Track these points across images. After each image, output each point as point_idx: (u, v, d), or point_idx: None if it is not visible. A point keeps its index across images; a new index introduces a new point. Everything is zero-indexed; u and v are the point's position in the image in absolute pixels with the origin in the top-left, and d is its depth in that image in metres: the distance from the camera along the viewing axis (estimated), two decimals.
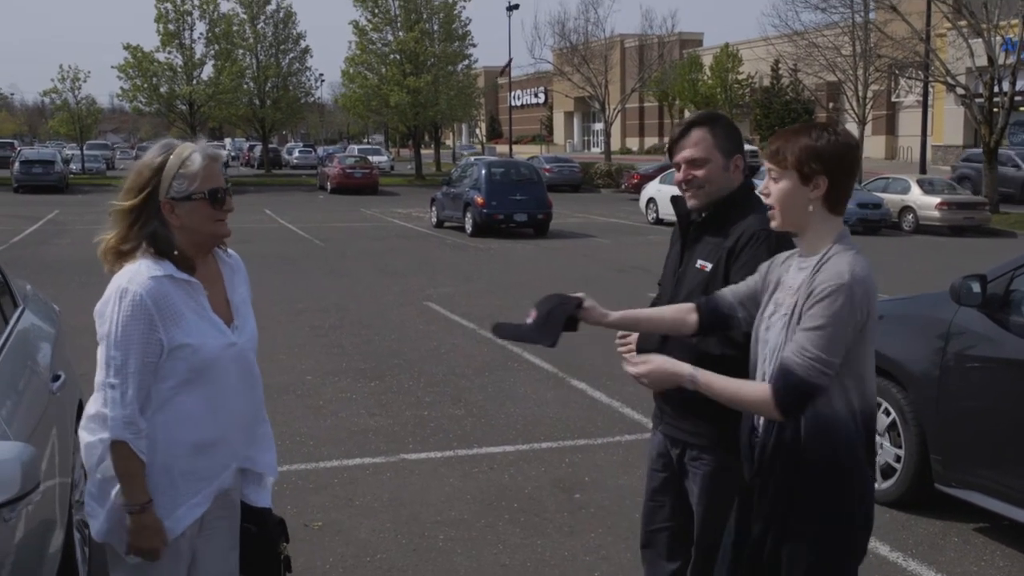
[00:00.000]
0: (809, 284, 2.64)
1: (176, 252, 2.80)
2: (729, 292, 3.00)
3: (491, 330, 3.12)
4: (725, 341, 3.13)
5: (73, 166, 51.97)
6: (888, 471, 5.80)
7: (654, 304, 3.47)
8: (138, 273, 2.74)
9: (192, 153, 2.81)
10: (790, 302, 2.70)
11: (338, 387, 8.61)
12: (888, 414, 5.78)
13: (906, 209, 26.92)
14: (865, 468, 2.69)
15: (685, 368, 2.76)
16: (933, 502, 5.64)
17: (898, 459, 5.71)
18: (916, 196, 26.80)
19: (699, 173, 3.27)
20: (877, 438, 5.86)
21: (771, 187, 2.74)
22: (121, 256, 2.83)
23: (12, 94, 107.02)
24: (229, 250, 3.10)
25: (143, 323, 2.70)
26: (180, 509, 2.84)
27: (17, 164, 41.35)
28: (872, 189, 28.27)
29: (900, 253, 21.28)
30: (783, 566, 2.70)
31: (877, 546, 5.22)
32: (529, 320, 2.99)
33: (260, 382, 3.09)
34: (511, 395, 8.37)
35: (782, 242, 3.06)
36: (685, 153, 3.28)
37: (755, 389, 2.67)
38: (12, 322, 4.04)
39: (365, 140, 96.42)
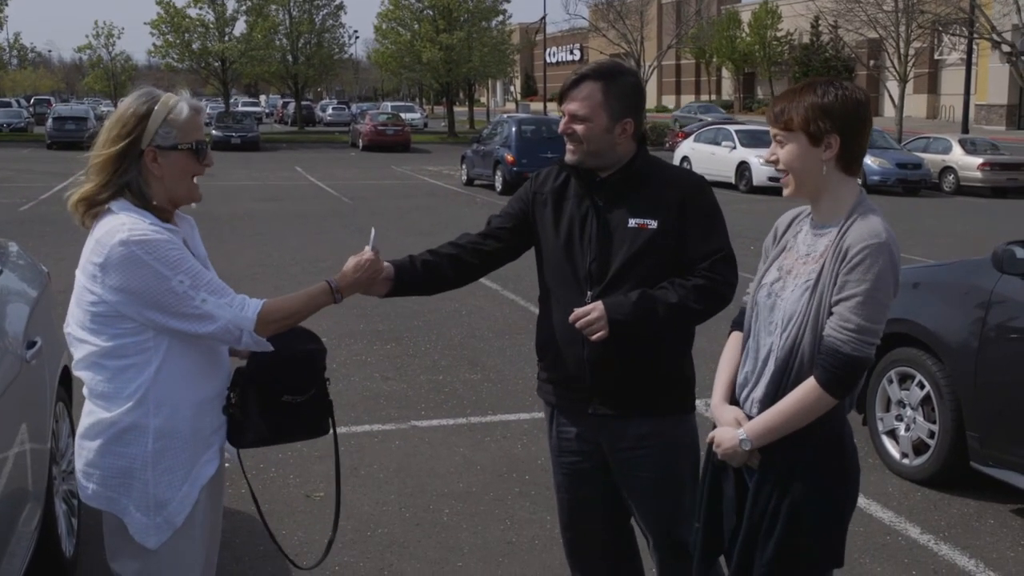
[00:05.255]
0: (838, 249, 2.42)
1: (154, 203, 2.66)
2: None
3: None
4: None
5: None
6: (921, 447, 5.49)
7: (547, 274, 3.23)
8: (135, 224, 2.58)
9: (179, 103, 2.69)
10: (810, 268, 2.49)
11: (353, 350, 8.40)
12: (922, 387, 5.46)
13: (947, 170, 26.34)
14: (849, 427, 2.62)
15: (736, 434, 2.57)
16: (968, 481, 5.33)
17: (932, 435, 5.40)
18: (957, 156, 26.21)
19: (579, 128, 3.04)
20: (910, 412, 5.56)
21: (778, 152, 2.52)
22: (93, 207, 2.66)
23: (49, 51, 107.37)
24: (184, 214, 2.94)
25: (174, 248, 2.59)
26: (195, 469, 2.71)
27: (50, 121, 41.44)
28: (912, 149, 27.68)
29: (940, 215, 20.80)
30: (786, 532, 2.52)
31: (907, 528, 4.93)
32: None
33: None
34: (530, 358, 8.01)
35: None
36: (570, 106, 3.07)
37: (804, 394, 2.46)
38: None
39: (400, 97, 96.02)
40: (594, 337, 2.94)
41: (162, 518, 2.66)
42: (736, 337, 2.75)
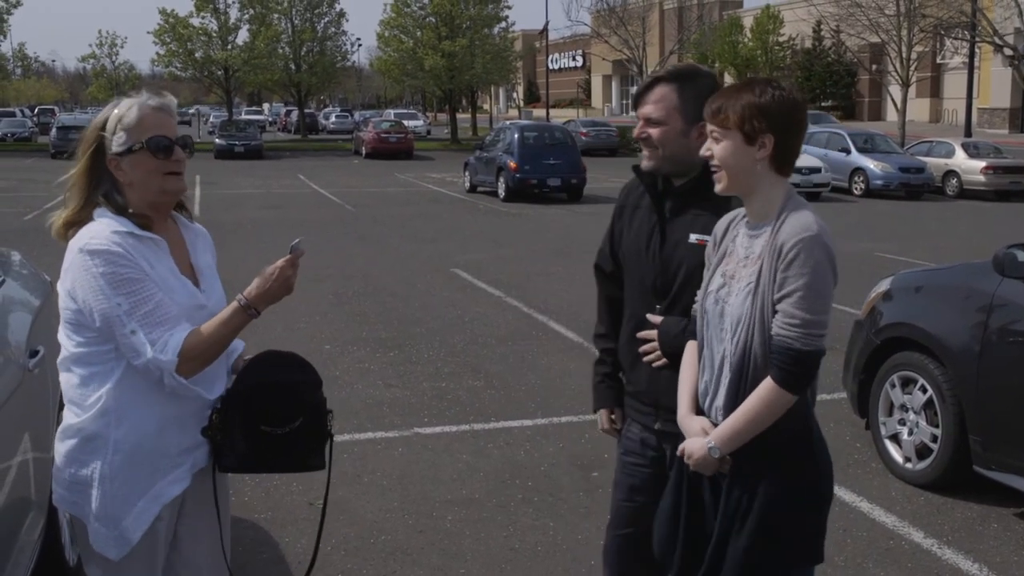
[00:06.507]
0: (773, 247, 2.46)
1: (131, 211, 2.63)
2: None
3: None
4: None
5: None
6: (924, 452, 5.49)
7: (605, 280, 3.33)
8: (99, 232, 2.55)
9: (131, 106, 2.65)
10: (750, 271, 2.52)
11: (356, 357, 8.40)
12: (925, 391, 5.46)
13: (950, 173, 26.31)
14: (815, 420, 2.63)
15: (704, 442, 2.57)
16: (971, 486, 5.32)
17: (935, 439, 5.39)
18: (960, 160, 26.18)
19: (653, 132, 2.99)
20: (913, 416, 5.56)
21: (713, 148, 2.56)
22: (75, 226, 2.63)
23: (53, 61, 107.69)
24: (192, 222, 2.89)
25: (127, 264, 2.51)
26: (156, 487, 2.63)
27: (54, 130, 41.47)
28: (915, 153, 27.67)
29: (943, 219, 20.78)
30: (757, 532, 2.52)
31: (911, 532, 4.93)
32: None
33: (234, 351, 2.87)
34: (533, 365, 8.12)
35: None
36: (644, 110, 3.02)
37: (765, 395, 2.47)
38: None
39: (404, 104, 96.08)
40: (655, 364, 3.00)
41: (118, 532, 2.61)
42: (692, 346, 2.75)
